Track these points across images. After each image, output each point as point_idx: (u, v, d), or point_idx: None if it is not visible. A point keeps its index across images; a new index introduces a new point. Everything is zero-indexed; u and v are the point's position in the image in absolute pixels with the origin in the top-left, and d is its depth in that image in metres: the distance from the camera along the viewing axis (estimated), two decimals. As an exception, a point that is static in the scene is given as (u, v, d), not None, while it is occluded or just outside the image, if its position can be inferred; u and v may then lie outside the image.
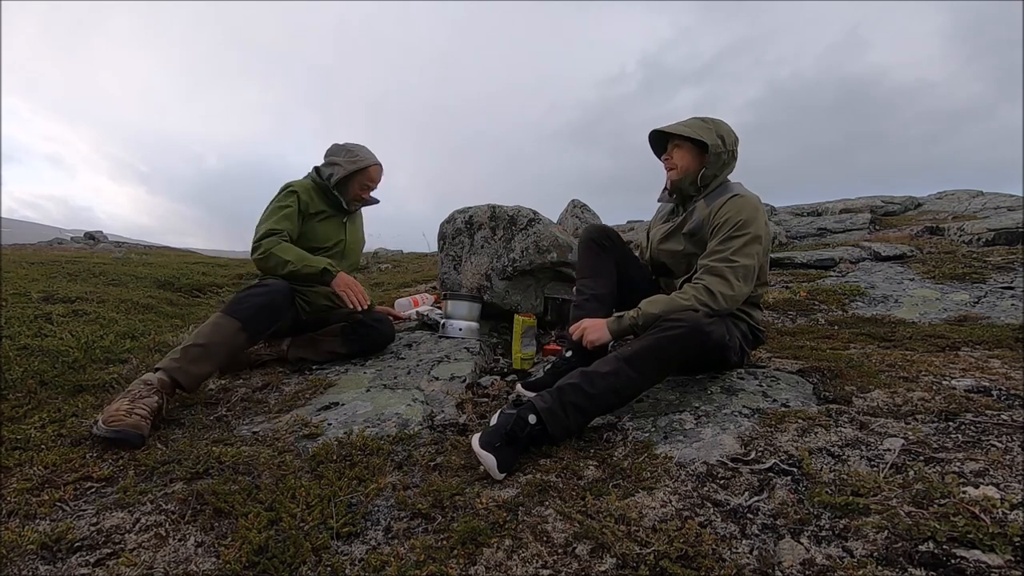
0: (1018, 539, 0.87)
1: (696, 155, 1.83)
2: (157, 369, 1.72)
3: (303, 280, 2.19)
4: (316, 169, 2.43)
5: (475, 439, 1.35)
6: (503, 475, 1.29)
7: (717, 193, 1.80)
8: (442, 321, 2.62)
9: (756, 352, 2.11)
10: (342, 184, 2.38)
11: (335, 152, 2.44)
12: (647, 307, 1.65)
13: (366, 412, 1.71)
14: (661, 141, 1.94)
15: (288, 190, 2.30)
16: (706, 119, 1.82)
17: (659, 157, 1.96)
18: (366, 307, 2.17)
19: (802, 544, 0.96)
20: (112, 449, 1.48)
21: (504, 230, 2.82)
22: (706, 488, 1.16)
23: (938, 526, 0.92)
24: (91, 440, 1.53)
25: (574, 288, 1.96)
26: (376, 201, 2.57)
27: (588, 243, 1.96)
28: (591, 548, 1.00)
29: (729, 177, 1.88)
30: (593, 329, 1.70)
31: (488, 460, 1.29)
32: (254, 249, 2.15)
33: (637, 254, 2.13)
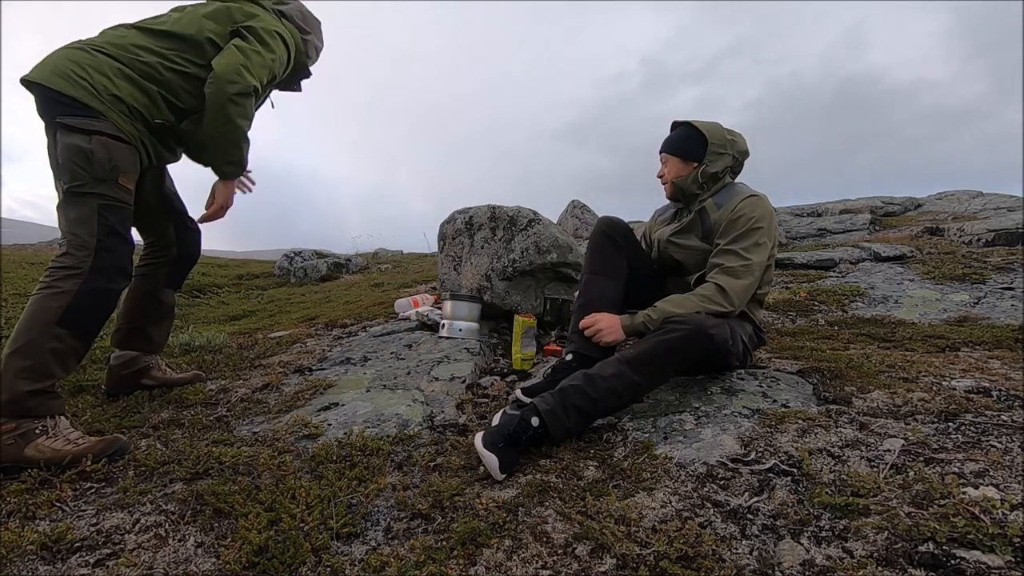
0: (1018, 539, 0.87)
1: (683, 166, 1.85)
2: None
3: (215, 144, 1.70)
4: (288, 19, 1.84)
5: (477, 439, 1.35)
6: (504, 475, 1.29)
7: (727, 194, 1.79)
8: (442, 321, 2.62)
9: (756, 353, 2.11)
10: (304, 68, 1.95)
11: (308, 22, 1.93)
12: (665, 306, 1.64)
13: (366, 412, 1.71)
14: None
15: (281, 45, 1.77)
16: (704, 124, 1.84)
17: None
18: (214, 219, 1.83)
19: (802, 545, 0.96)
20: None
21: (504, 230, 2.82)
22: (706, 489, 1.16)
23: (938, 527, 0.92)
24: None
25: (580, 280, 1.92)
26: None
27: (601, 236, 1.89)
28: (591, 549, 1.00)
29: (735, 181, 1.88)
30: (609, 330, 1.70)
31: (490, 460, 1.29)
32: (241, 92, 1.61)
33: None
